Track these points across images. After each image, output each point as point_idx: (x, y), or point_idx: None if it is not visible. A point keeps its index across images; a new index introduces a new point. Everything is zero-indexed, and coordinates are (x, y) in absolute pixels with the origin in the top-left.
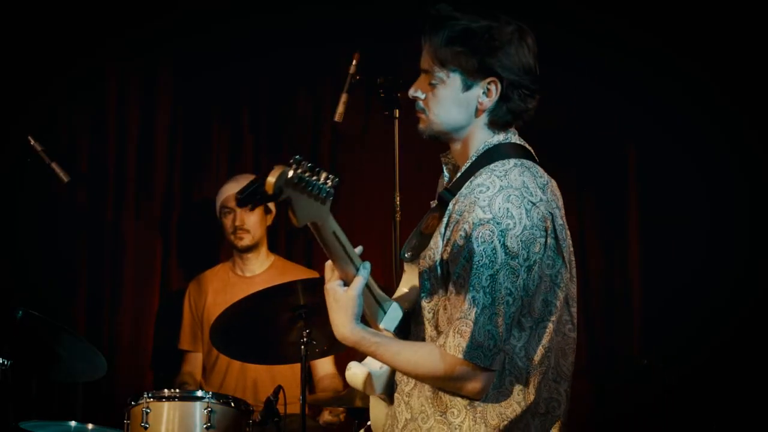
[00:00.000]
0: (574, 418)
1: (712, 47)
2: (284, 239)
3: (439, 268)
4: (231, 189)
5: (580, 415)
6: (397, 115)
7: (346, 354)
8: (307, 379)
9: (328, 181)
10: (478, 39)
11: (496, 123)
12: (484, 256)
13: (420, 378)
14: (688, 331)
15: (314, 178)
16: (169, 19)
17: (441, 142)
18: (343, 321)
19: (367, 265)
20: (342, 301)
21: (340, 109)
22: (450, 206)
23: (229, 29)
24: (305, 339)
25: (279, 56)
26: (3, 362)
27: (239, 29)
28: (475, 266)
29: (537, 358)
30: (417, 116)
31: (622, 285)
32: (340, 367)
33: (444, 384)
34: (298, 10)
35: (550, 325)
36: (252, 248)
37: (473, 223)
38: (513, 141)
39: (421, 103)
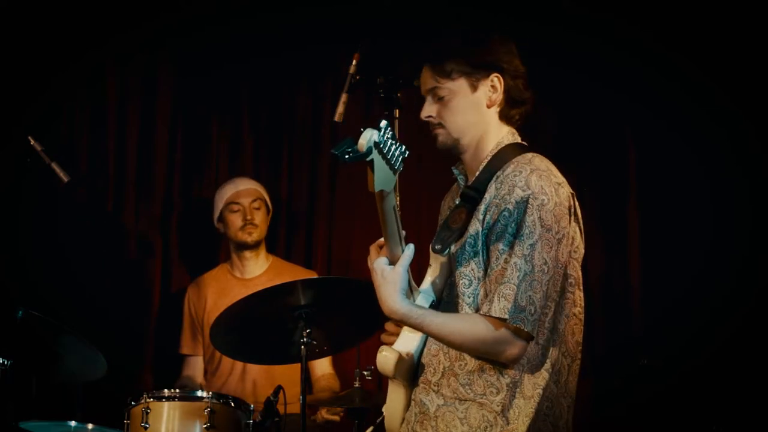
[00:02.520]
0: (574, 418)
1: (712, 47)
2: (284, 240)
3: (481, 251)
4: (232, 189)
5: (580, 415)
6: (397, 115)
7: (345, 354)
8: (307, 379)
9: (401, 154)
10: (475, 43)
11: (504, 115)
12: (526, 227)
13: (465, 345)
14: (688, 331)
15: (393, 147)
16: (169, 19)
17: (456, 152)
18: (391, 295)
19: (412, 246)
20: (390, 276)
21: (340, 109)
22: (486, 196)
23: (229, 29)
24: (305, 339)
25: (279, 56)
26: (3, 362)
27: (239, 29)
28: (518, 237)
29: (561, 327)
30: (434, 133)
31: (622, 285)
32: (338, 367)
33: (487, 349)
34: (298, 9)
35: (570, 296)
36: (257, 245)
37: (515, 201)
38: (518, 141)
39: (435, 120)
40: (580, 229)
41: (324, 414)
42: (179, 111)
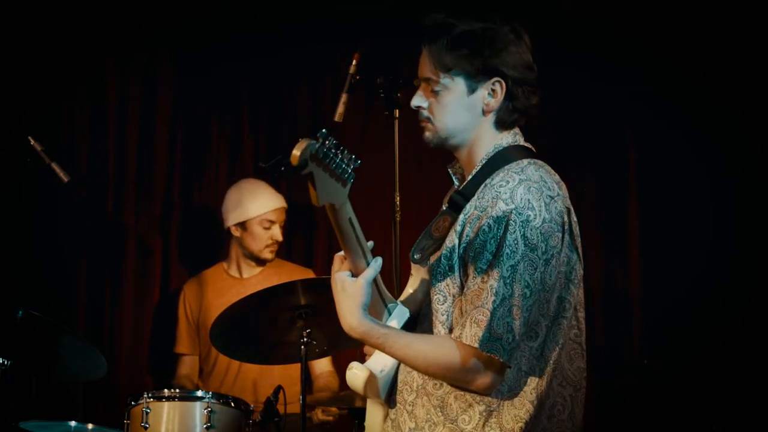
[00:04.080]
0: None
1: (712, 47)
2: (284, 242)
3: (456, 266)
4: (272, 204)
5: None
6: (397, 115)
7: (345, 354)
8: (307, 378)
9: (350, 163)
10: (480, 41)
11: (502, 122)
12: (506, 246)
13: (430, 371)
14: (689, 330)
15: (338, 157)
16: (169, 19)
17: (447, 149)
18: (351, 310)
19: (379, 260)
20: (350, 290)
21: (340, 109)
22: (467, 206)
23: (229, 29)
24: (305, 339)
25: (279, 56)
26: (3, 362)
27: (239, 29)
28: (498, 256)
29: (552, 356)
30: (422, 125)
31: (622, 285)
32: (338, 364)
33: (455, 376)
34: (298, 9)
35: (564, 323)
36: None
37: (496, 216)
38: (520, 143)
39: (425, 112)
40: (576, 248)
41: (319, 415)
42: (179, 111)
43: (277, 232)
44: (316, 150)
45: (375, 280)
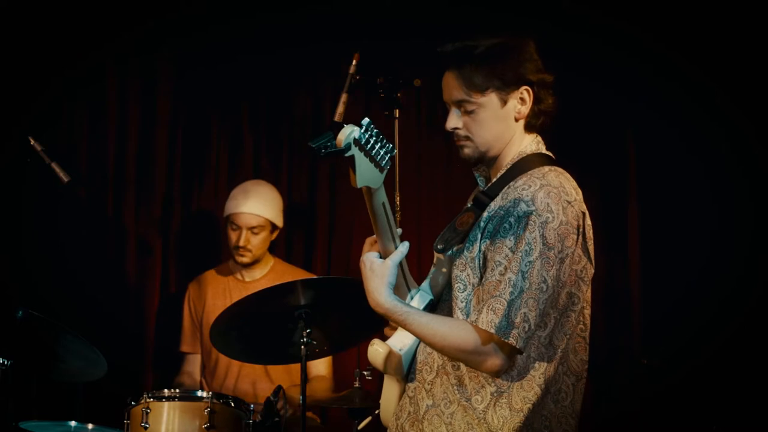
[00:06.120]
0: None
1: (712, 47)
2: (284, 240)
3: (477, 258)
4: (234, 207)
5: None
6: (397, 115)
7: (345, 354)
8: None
9: (388, 152)
10: (502, 54)
11: (531, 125)
12: (525, 243)
13: (445, 349)
14: (688, 330)
15: (378, 145)
16: (169, 19)
17: (485, 162)
18: (378, 288)
19: (407, 244)
20: (378, 270)
21: (340, 109)
22: (491, 204)
23: (229, 29)
24: (305, 339)
25: (279, 56)
26: (3, 362)
27: (239, 29)
28: (517, 252)
29: (559, 346)
30: (459, 145)
31: (622, 285)
32: (338, 367)
33: (467, 357)
34: (298, 9)
35: (573, 315)
36: (251, 264)
37: (518, 215)
38: (542, 152)
39: (462, 132)
40: (588, 250)
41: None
42: (179, 111)
43: (241, 237)
44: (359, 136)
45: (401, 265)
